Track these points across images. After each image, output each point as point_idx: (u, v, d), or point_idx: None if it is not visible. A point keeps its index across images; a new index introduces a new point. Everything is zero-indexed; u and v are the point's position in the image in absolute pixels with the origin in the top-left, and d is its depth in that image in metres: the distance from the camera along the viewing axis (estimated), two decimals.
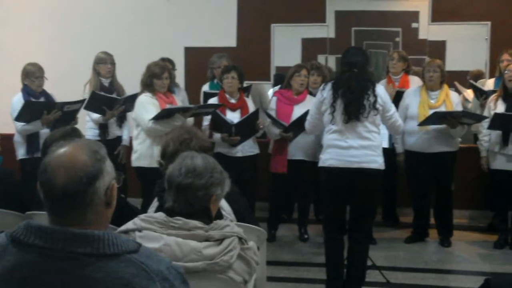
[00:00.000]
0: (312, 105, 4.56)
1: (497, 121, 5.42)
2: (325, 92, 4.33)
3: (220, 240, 2.33)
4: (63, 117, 5.43)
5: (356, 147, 4.21)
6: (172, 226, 2.31)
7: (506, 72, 5.55)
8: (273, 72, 7.40)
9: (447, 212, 5.81)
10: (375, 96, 4.23)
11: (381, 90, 4.35)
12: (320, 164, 4.40)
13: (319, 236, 5.70)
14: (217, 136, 5.51)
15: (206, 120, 5.60)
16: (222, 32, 7.31)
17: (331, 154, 4.29)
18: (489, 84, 6.25)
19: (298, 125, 5.30)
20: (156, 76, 5.16)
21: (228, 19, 7.33)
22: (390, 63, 6.13)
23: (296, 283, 4.83)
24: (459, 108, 5.65)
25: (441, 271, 5.14)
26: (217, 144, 5.56)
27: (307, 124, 4.64)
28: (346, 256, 4.45)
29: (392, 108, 4.40)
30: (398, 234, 6.04)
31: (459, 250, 5.66)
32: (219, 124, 5.49)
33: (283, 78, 6.12)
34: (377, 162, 4.25)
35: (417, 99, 5.64)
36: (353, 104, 4.19)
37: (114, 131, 5.92)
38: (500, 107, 5.53)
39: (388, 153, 5.70)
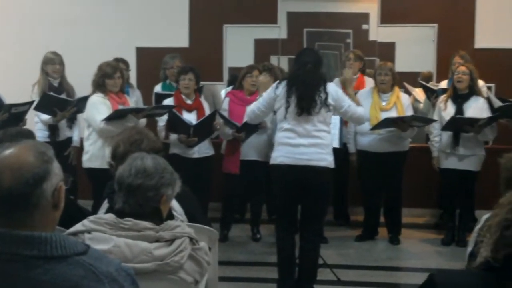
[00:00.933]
0: (262, 99, 4.56)
1: (452, 124, 5.55)
2: (279, 90, 4.38)
3: (170, 241, 2.34)
4: (10, 118, 5.32)
5: (306, 145, 4.29)
6: (122, 227, 2.30)
7: (455, 73, 5.68)
8: (225, 72, 7.41)
9: (396, 211, 5.93)
10: (326, 93, 4.32)
11: (333, 88, 4.43)
12: (271, 161, 4.46)
13: (271, 236, 5.74)
14: (174, 137, 5.50)
15: (162, 121, 5.58)
16: (174, 33, 7.28)
17: (281, 152, 4.36)
18: (442, 85, 6.39)
19: (251, 125, 5.33)
20: (108, 76, 5.12)
21: (180, 19, 7.30)
22: (347, 64, 6.21)
23: (248, 283, 4.85)
24: (410, 109, 5.77)
25: (390, 268, 5.24)
26: (173, 145, 5.56)
27: (250, 113, 4.65)
28: (298, 255, 4.49)
29: (345, 102, 4.47)
30: (349, 233, 6.12)
31: (408, 247, 5.78)
32: (176, 125, 5.47)
33: (236, 79, 6.14)
34: (327, 160, 4.33)
35: (369, 101, 5.74)
36: (306, 98, 4.27)
37: (64, 132, 5.84)
38: (450, 108, 5.67)
39: (340, 153, 5.82)
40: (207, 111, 5.64)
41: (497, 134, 5.74)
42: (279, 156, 4.37)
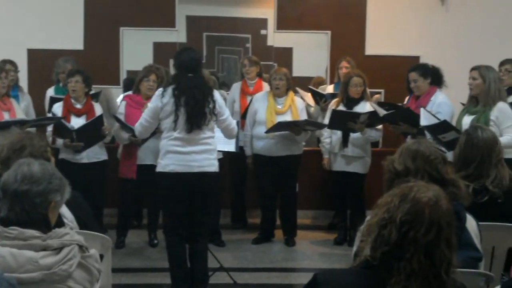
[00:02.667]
0: (148, 110, 4.48)
1: (335, 119, 5.68)
2: (166, 99, 4.31)
3: (59, 249, 2.28)
4: None
5: (197, 152, 4.32)
6: (6, 236, 2.23)
7: (351, 86, 5.80)
8: (122, 76, 7.31)
9: (291, 213, 6.06)
10: (214, 101, 4.35)
11: (217, 95, 4.45)
12: (160, 169, 4.41)
13: None
14: (60, 142, 5.38)
15: (50, 126, 5.43)
16: (68, 34, 7.10)
17: (172, 160, 4.32)
18: (329, 89, 6.62)
19: None
20: None
21: (75, 21, 7.13)
22: (244, 70, 6.30)
23: None
24: (304, 113, 5.93)
25: (285, 269, 5.36)
26: (61, 150, 5.45)
27: (139, 127, 4.56)
28: (189, 259, 4.51)
29: (227, 112, 4.54)
30: (247, 236, 6.19)
31: (303, 248, 5.92)
32: (61, 129, 5.34)
33: (133, 82, 6.06)
34: (215, 165, 4.43)
35: (265, 105, 5.85)
36: (197, 114, 4.27)
37: None
38: None
39: (237, 157, 5.90)
40: (98, 114, 5.55)
41: (382, 134, 6.00)
42: (169, 164, 4.33)
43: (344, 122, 5.70)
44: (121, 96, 6.61)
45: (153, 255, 5.63)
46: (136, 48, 7.42)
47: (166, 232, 4.56)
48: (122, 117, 5.60)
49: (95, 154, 5.56)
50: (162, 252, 5.58)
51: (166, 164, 4.35)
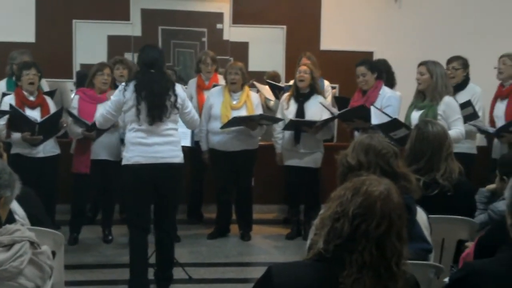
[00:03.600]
0: (111, 102, 4.57)
1: (291, 126, 5.80)
2: (128, 94, 4.39)
3: (9, 246, 2.25)
4: None
5: (160, 144, 4.39)
6: None
7: (297, 73, 5.93)
8: (76, 69, 7.20)
9: (247, 207, 6.08)
10: (175, 95, 4.45)
11: (179, 89, 4.55)
12: (124, 162, 4.46)
13: (123, 236, 5.67)
14: (16, 135, 5.28)
15: (3, 120, 5.31)
16: (19, 27, 6.96)
17: (136, 152, 4.39)
18: None
19: None
20: None
21: (26, 13, 6.98)
22: (205, 67, 6.23)
23: (99, 285, 4.75)
24: (259, 108, 5.93)
25: (240, 264, 5.37)
26: (16, 144, 5.34)
27: (100, 117, 4.68)
28: (155, 249, 4.59)
29: (190, 105, 4.65)
30: (202, 231, 6.18)
31: (258, 243, 5.95)
32: (19, 123, 5.23)
33: (86, 76, 5.97)
34: (179, 156, 4.50)
35: (220, 100, 5.84)
36: (157, 106, 4.36)
37: None
38: (292, 107, 5.90)
39: (193, 152, 5.87)
40: (52, 107, 5.47)
41: (333, 133, 6.10)
42: (133, 156, 4.39)
43: (299, 126, 5.80)
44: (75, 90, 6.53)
45: (107, 251, 5.57)
46: (90, 41, 7.33)
47: (129, 224, 4.61)
48: (75, 112, 5.52)
49: (50, 148, 5.50)
50: (117, 248, 5.57)
51: (130, 156, 4.41)
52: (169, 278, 4.62)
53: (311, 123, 5.73)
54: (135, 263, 4.46)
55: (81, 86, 5.93)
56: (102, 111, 4.64)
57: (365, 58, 5.90)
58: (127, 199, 4.64)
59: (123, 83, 4.55)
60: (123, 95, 4.41)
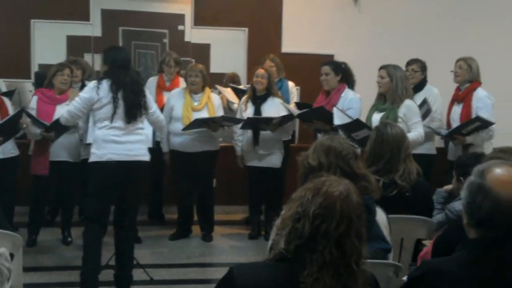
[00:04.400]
0: (81, 100, 4.49)
1: (248, 124, 5.87)
2: (102, 92, 4.38)
3: None
4: None
5: (132, 142, 4.45)
6: None
7: (255, 76, 5.97)
8: (34, 69, 7.08)
9: (208, 208, 6.09)
10: (145, 96, 4.55)
11: (146, 90, 4.66)
12: (95, 159, 4.42)
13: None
14: None
15: None
16: None
17: (108, 149, 4.39)
18: None
19: (61, 124, 5.13)
20: None
21: None
22: (169, 69, 6.21)
23: None
24: (221, 109, 5.94)
25: (202, 264, 5.38)
26: None
27: (67, 114, 4.63)
28: (115, 250, 4.57)
29: (154, 105, 4.73)
30: (164, 232, 6.16)
31: (220, 243, 5.96)
32: None
33: (45, 76, 5.88)
34: (148, 155, 4.59)
35: (181, 101, 5.83)
36: (134, 105, 4.43)
37: None
38: (249, 109, 5.97)
39: (154, 153, 5.84)
40: (10, 108, 5.39)
41: (291, 133, 6.16)
42: (106, 153, 4.39)
43: (257, 124, 5.86)
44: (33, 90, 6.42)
45: (66, 253, 5.50)
46: (49, 41, 7.21)
47: (87, 218, 4.53)
48: (33, 112, 5.44)
49: (10, 149, 5.42)
50: (76, 250, 5.49)
51: (103, 153, 4.40)
52: (129, 279, 4.58)
53: (268, 120, 5.79)
54: (87, 258, 4.44)
55: (39, 87, 5.85)
56: (69, 107, 4.61)
57: (332, 59, 5.96)
58: (90, 196, 4.55)
59: (95, 81, 4.51)
60: (96, 93, 4.39)
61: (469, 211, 2.01)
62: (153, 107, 4.66)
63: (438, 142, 6.18)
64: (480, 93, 5.56)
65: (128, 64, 4.54)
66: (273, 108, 5.90)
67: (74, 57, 6.11)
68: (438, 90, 5.98)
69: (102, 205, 4.46)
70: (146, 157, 4.55)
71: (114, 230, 4.59)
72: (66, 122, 4.77)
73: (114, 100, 4.37)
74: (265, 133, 5.91)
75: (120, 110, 4.39)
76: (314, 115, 5.50)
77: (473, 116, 5.44)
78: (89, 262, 4.45)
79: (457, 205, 3.50)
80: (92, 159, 4.46)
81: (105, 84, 4.40)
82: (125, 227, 4.55)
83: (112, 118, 4.39)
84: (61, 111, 5.29)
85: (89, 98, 4.43)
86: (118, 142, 4.41)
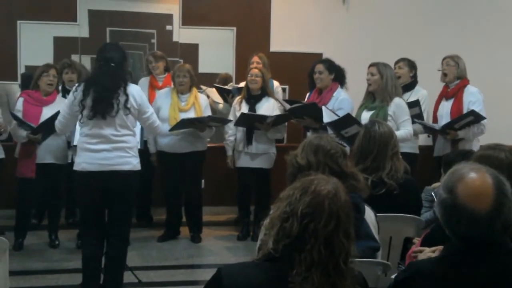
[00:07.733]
0: (65, 105, 4.37)
1: (242, 120, 5.81)
2: (77, 93, 4.19)
3: None
4: None
5: (108, 150, 4.16)
6: None
7: (249, 75, 5.95)
8: (20, 71, 7.03)
9: (197, 209, 6.05)
10: (126, 95, 4.17)
11: (136, 91, 4.30)
12: (74, 167, 4.27)
13: (70, 241, 5.57)
14: None
15: None
16: None
17: (83, 158, 4.19)
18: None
19: (48, 126, 5.09)
20: None
21: None
22: (150, 66, 6.21)
23: None
24: (208, 110, 5.92)
25: (191, 266, 5.36)
26: None
27: (58, 123, 4.42)
28: (104, 262, 4.36)
29: (150, 109, 4.42)
30: (152, 234, 6.12)
31: (208, 245, 5.92)
32: None
33: (31, 78, 5.83)
34: (131, 163, 4.25)
35: (168, 102, 5.80)
36: (101, 101, 4.12)
37: None
38: (244, 108, 5.93)
39: (142, 154, 5.80)
40: None
41: (286, 133, 6.13)
42: (81, 163, 4.20)
43: (251, 122, 5.80)
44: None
45: (54, 256, 5.44)
46: (35, 42, 7.17)
47: (80, 231, 4.45)
48: (19, 114, 5.39)
49: None
50: (63, 253, 5.46)
51: (78, 162, 4.22)
52: (118, 284, 4.45)
53: (263, 118, 5.75)
54: (85, 271, 4.31)
55: (26, 88, 5.80)
56: (59, 117, 4.39)
57: (326, 58, 5.95)
58: (79, 205, 4.47)
59: (78, 83, 4.35)
60: (73, 95, 4.21)
61: (448, 227, 1.99)
62: (147, 112, 4.35)
63: (421, 140, 6.19)
64: (471, 89, 5.65)
65: (116, 59, 4.19)
66: (268, 108, 5.87)
67: (69, 61, 6.03)
68: (427, 91, 5.99)
69: (88, 213, 4.29)
70: (127, 165, 4.20)
71: (106, 236, 4.36)
72: (60, 131, 4.56)
73: (83, 96, 4.10)
74: (258, 133, 5.89)
75: (87, 106, 4.11)
76: (305, 111, 5.49)
77: (465, 111, 5.48)
78: (86, 276, 4.30)
79: None
80: (74, 166, 4.29)
81: (82, 84, 4.22)
82: (113, 242, 4.31)
83: (84, 123, 4.16)
84: (48, 113, 5.26)
85: (69, 101, 4.27)
86: (93, 151, 4.15)
